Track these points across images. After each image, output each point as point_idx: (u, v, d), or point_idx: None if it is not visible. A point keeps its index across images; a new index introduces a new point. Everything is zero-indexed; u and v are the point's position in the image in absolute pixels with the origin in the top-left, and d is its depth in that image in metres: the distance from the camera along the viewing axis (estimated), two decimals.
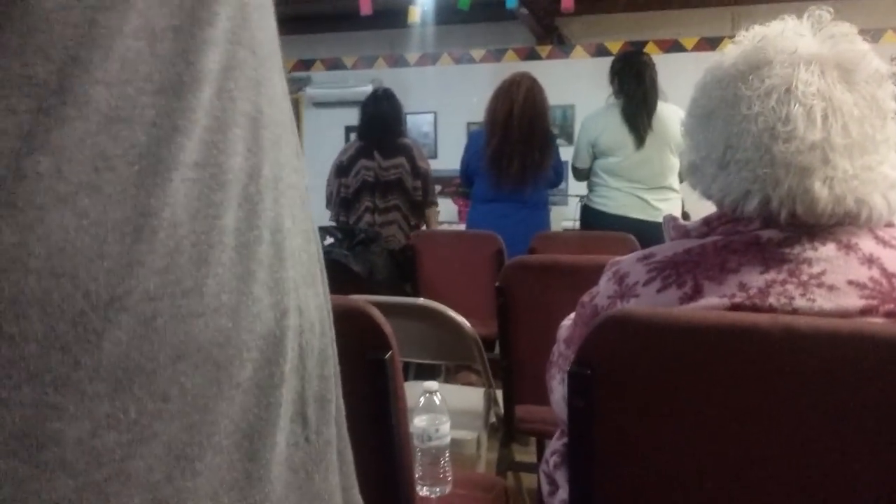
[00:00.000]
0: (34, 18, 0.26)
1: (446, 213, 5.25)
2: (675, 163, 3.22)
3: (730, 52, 0.93)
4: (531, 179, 3.24)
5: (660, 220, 3.40)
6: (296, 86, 6.56)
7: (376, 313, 1.04)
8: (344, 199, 3.48)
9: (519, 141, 3.19)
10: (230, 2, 0.32)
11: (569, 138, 6.01)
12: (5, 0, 0.26)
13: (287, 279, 0.34)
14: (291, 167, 0.36)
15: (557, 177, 3.42)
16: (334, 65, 6.63)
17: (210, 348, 0.30)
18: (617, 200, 3.26)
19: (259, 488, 0.32)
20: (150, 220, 0.28)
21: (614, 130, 3.25)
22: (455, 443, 1.71)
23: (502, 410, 1.93)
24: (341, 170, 3.51)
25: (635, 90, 3.21)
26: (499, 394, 1.96)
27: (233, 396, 0.30)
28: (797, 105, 0.83)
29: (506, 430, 1.94)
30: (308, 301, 0.36)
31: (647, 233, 2.86)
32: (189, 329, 0.29)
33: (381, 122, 3.46)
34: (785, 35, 0.89)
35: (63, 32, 0.26)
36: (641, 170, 3.22)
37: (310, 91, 6.50)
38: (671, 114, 3.22)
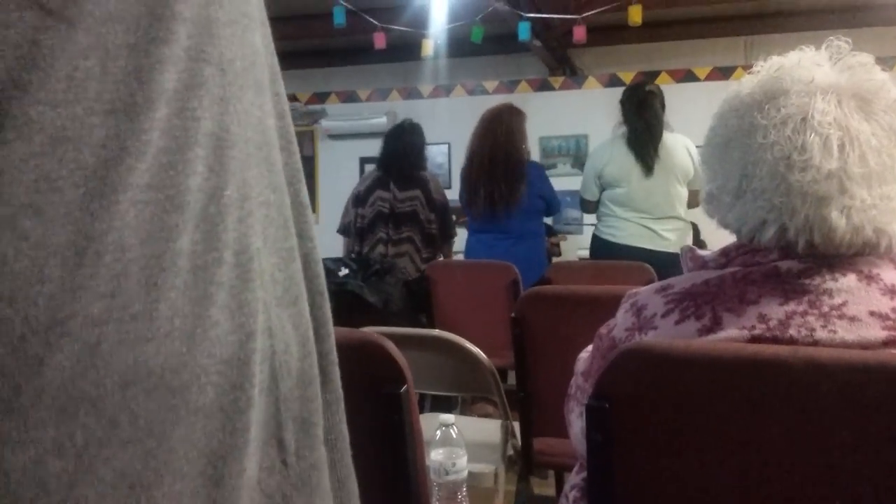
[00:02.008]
0: None
1: (460, 242, 5.26)
2: (681, 192, 3.22)
3: (747, 82, 0.93)
4: (503, 210, 3.26)
5: (669, 249, 3.37)
6: (311, 118, 6.62)
7: (391, 346, 1.04)
8: (360, 228, 3.50)
9: (486, 173, 3.25)
10: (192, 19, 0.31)
11: (582, 168, 6.01)
12: None
13: (253, 301, 0.33)
14: (265, 185, 0.36)
15: (549, 206, 3.44)
16: (349, 97, 6.71)
17: (162, 373, 0.29)
18: (625, 230, 3.26)
19: None
20: (93, 244, 0.27)
21: (620, 161, 3.26)
22: (472, 476, 1.68)
23: (520, 443, 1.91)
24: (358, 200, 3.54)
25: (637, 121, 3.22)
26: (516, 426, 1.94)
27: (193, 422, 0.30)
28: (813, 134, 0.83)
29: (524, 464, 1.91)
30: (283, 322, 0.36)
31: (656, 262, 2.85)
32: (138, 354, 0.28)
33: (401, 154, 3.50)
34: (802, 65, 0.89)
35: (1, 54, 0.26)
36: (648, 200, 3.21)
37: (325, 123, 6.57)
38: (676, 143, 3.22)
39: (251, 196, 0.34)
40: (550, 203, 3.44)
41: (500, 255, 3.14)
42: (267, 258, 0.35)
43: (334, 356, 0.44)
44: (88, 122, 0.27)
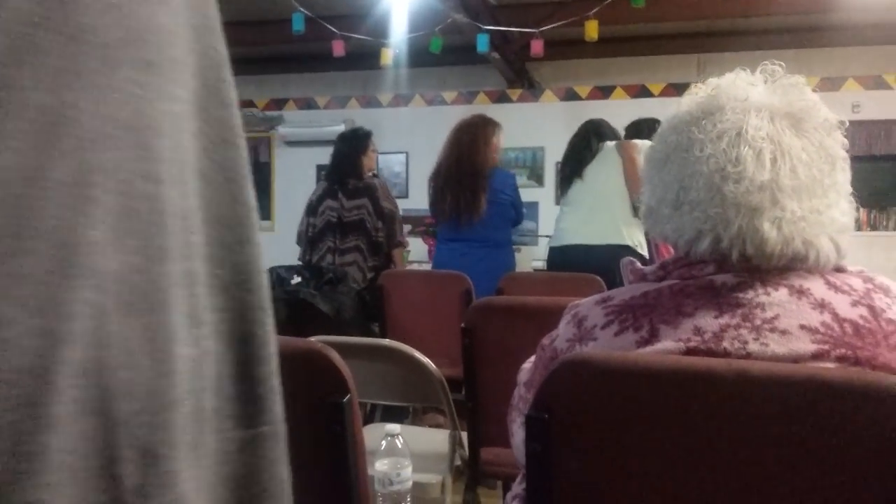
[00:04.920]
0: None
1: (416, 252, 5.26)
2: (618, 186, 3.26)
3: (686, 101, 0.96)
4: (468, 218, 3.27)
5: (595, 242, 3.41)
6: (268, 124, 6.57)
7: (335, 356, 1.03)
8: (311, 238, 3.50)
9: (452, 180, 3.27)
10: None
11: (539, 180, 6.08)
12: None
13: (74, 301, 0.29)
14: (131, 172, 0.32)
15: (518, 215, 3.47)
16: (307, 104, 6.67)
17: None
18: (561, 230, 3.36)
19: None
20: None
21: None
22: (420, 486, 1.68)
23: (468, 453, 1.91)
24: (310, 209, 3.55)
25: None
26: (465, 436, 1.94)
27: None
28: (747, 147, 0.86)
29: (471, 474, 1.91)
30: (127, 333, 0.31)
31: (586, 257, 3.03)
32: None
33: (339, 163, 3.51)
34: (737, 84, 0.93)
35: None
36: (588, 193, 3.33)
37: (282, 130, 6.52)
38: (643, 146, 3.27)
39: (96, 182, 0.30)
40: (519, 213, 3.47)
41: (472, 264, 3.12)
42: (114, 255, 0.30)
43: (275, 382, 0.39)
44: None
